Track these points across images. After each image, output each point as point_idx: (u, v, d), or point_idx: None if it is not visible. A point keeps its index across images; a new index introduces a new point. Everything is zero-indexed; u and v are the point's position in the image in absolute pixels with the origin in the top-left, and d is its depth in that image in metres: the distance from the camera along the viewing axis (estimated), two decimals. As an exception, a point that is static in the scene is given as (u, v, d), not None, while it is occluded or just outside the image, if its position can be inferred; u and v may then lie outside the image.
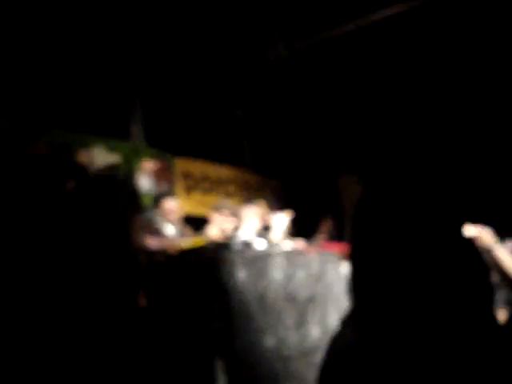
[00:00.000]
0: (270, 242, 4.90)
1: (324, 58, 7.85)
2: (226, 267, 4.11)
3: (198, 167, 7.36)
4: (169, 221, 5.18)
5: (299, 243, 5.20)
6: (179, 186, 6.96)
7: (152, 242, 4.57)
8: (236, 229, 5.49)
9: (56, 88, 6.04)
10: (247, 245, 4.58)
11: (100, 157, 5.18)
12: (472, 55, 7.46)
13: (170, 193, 6.44)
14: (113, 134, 6.28)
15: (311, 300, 4.78)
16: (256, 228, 5.65)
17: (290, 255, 4.77)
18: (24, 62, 5.72)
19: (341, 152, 9.23)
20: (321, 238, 6.52)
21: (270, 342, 4.23)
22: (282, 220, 5.56)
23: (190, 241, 4.74)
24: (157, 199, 5.33)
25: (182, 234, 5.16)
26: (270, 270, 4.49)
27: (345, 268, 5.35)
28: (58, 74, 6.07)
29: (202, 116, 7.81)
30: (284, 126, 9.07)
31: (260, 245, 4.75)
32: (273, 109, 8.76)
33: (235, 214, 5.60)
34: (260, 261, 4.41)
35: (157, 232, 4.91)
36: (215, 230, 5.46)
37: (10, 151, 4.33)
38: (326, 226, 7.96)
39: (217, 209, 5.57)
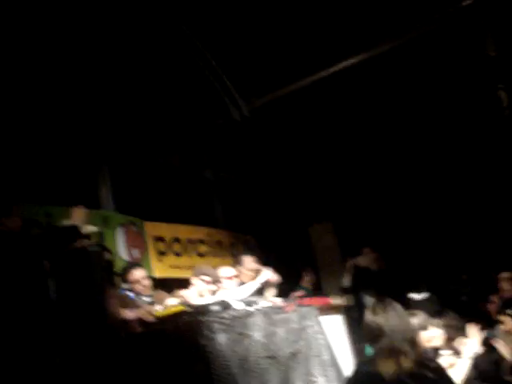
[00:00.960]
0: (248, 301, 4.86)
1: (286, 112, 7.99)
2: (204, 332, 4.05)
3: (168, 230, 7.33)
4: (138, 291, 5.13)
5: (277, 300, 5.17)
6: (151, 250, 6.90)
7: (128, 314, 4.50)
8: (214, 292, 5.46)
9: (21, 161, 6.01)
10: (225, 306, 4.53)
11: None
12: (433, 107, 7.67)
13: (140, 260, 6.41)
14: (82, 204, 6.23)
15: (293, 357, 4.72)
16: (234, 288, 5.62)
17: (268, 313, 4.73)
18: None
19: (310, 202, 9.30)
20: (298, 292, 6.48)
21: (255, 404, 4.15)
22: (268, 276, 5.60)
23: (165, 307, 4.69)
24: (124, 270, 5.27)
25: (155, 302, 5.09)
26: (250, 330, 4.43)
27: (324, 322, 5.31)
28: (21, 146, 6.05)
29: (171, 179, 7.82)
30: (253, 182, 9.12)
31: (238, 305, 4.70)
32: (241, 166, 8.83)
33: (216, 280, 5.58)
34: (239, 322, 4.36)
35: (130, 303, 4.85)
36: (194, 293, 5.42)
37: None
38: (309, 278, 7.93)
39: (197, 274, 5.54)
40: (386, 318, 3.32)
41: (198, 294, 5.44)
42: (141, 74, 7.11)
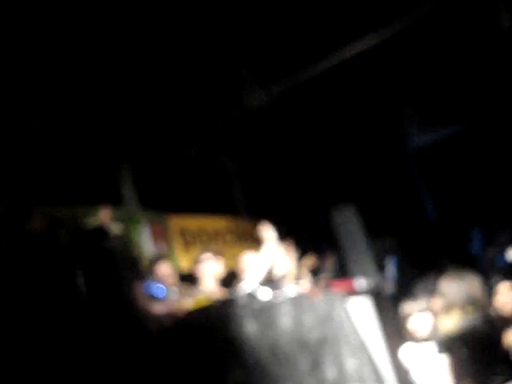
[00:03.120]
0: (275, 290, 4.90)
1: (305, 98, 7.97)
2: (234, 322, 4.11)
3: (192, 222, 7.39)
4: (165, 284, 5.16)
5: (304, 285, 5.20)
6: (176, 243, 6.97)
7: (158, 307, 4.56)
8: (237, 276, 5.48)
9: (40, 162, 6.07)
10: (252, 296, 4.58)
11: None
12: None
13: (165, 254, 6.46)
14: (105, 202, 6.31)
15: (323, 342, 4.76)
16: (260, 275, 5.64)
17: (296, 301, 4.77)
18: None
19: (331, 185, 9.30)
20: (324, 276, 6.52)
21: (287, 391, 4.20)
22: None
23: (193, 299, 4.75)
24: (150, 264, 5.30)
25: (182, 294, 5.14)
26: (279, 319, 4.48)
27: (351, 305, 5.35)
28: (40, 147, 6.11)
29: (191, 170, 7.87)
30: (273, 168, 9.13)
31: (265, 294, 4.74)
32: (261, 153, 8.84)
33: (219, 254, 5.57)
34: (267, 311, 4.41)
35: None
36: (210, 281, 5.40)
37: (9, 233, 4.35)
38: (330, 262, 7.93)
39: (201, 261, 5.51)
40: (459, 284, 3.79)
41: (213, 277, 5.42)
42: (156, 66, 7.14)
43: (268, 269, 5.66)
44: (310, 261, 6.13)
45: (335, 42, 7.05)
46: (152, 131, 7.34)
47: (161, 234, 6.71)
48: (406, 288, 6.66)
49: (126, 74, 6.81)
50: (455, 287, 3.84)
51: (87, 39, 6.25)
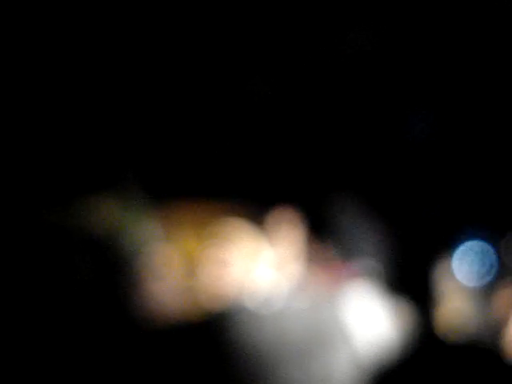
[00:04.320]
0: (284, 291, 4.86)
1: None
2: (241, 330, 4.17)
3: (197, 208, 7.45)
4: (169, 273, 5.22)
5: (301, 275, 5.20)
6: (181, 230, 7.03)
7: (161, 300, 4.60)
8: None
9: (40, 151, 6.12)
10: (260, 302, 4.56)
11: (95, 217, 5.23)
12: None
13: (170, 241, 6.54)
14: (103, 190, 6.37)
15: (316, 345, 4.75)
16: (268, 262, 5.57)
17: (290, 302, 4.76)
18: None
19: (325, 171, 9.33)
20: (322, 262, 6.56)
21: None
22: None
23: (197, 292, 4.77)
24: (154, 252, 5.35)
25: (187, 284, 5.19)
26: (284, 326, 4.48)
27: (350, 292, 5.34)
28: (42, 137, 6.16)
29: (192, 156, 7.92)
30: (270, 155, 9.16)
31: (273, 298, 4.70)
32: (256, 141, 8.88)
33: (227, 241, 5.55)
34: (275, 318, 4.43)
35: (164, 289, 4.98)
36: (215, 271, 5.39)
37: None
38: (327, 248, 7.96)
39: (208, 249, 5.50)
40: None
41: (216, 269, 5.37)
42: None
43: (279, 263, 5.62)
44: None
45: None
46: (154, 120, 7.39)
47: (166, 222, 6.77)
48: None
49: (125, 62, 6.84)
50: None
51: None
